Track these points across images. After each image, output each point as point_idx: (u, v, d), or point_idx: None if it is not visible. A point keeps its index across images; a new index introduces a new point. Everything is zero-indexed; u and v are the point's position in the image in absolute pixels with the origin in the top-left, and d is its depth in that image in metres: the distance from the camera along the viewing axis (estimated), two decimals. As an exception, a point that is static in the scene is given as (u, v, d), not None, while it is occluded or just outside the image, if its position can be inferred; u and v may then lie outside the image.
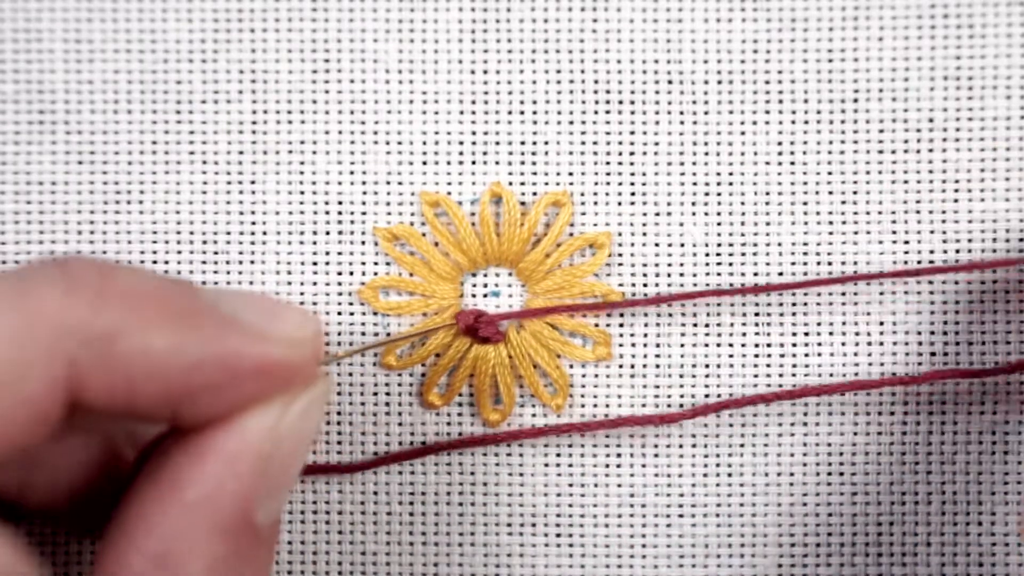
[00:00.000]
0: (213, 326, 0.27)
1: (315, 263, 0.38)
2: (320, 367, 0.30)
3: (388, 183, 0.38)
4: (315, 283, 0.38)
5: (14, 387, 0.25)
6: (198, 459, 0.27)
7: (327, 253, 0.38)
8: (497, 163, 0.38)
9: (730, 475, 0.38)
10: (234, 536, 0.27)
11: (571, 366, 0.38)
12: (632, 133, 0.38)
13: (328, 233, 0.38)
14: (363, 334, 0.38)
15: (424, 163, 0.38)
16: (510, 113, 0.38)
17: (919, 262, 0.37)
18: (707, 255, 0.38)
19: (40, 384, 0.25)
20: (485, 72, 0.38)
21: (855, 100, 0.38)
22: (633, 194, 0.38)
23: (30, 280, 0.26)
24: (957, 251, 0.37)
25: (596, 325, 0.38)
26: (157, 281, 0.27)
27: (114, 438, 0.31)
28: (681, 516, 0.38)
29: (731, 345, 0.38)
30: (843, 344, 0.38)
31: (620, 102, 0.38)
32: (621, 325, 0.38)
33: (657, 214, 0.38)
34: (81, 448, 0.31)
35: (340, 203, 0.38)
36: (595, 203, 0.38)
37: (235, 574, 0.27)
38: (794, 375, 0.38)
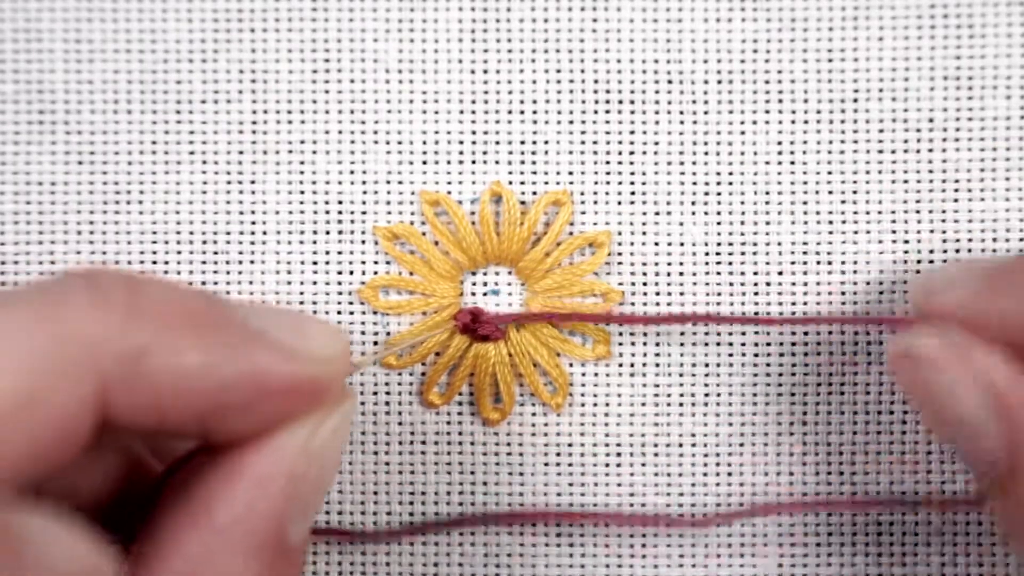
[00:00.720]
0: (243, 343, 0.27)
1: (315, 263, 0.38)
2: (347, 383, 0.29)
3: (388, 182, 0.38)
4: (315, 283, 0.38)
5: (43, 406, 0.24)
6: (229, 480, 0.27)
7: (327, 252, 0.38)
8: (497, 162, 0.38)
9: (730, 474, 0.38)
10: (266, 557, 0.27)
11: (571, 365, 0.38)
12: (632, 133, 0.38)
13: (328, 233, 0.38)
14: (363, 334, 0.38)
15: (424, 162, 0.38)
16: (510, 113, 0.38)
17: (919, 261, 0.37)
18: (707, 254, 0.38)
19: (69, 403, 0.25)
20: (485, 72, 0.38)
21: (855, 100, 0.38)
22: (633, 193, 0.38)
23: (59, 294, 0.25)
24: (957, 250, 0.37)
25: (596, 324, 0.38)
26: (186, 295, 0.27)
27: (135, 447, 0.31)
28: (681, 515, 0.38)
29: (730, 344, 0.38)
30: (842, 343, 0.38)
31: (620, 102, 0.38)
32: (621, 324, 0.38)
33: (657, 213, 0.38)
34: (102, 457, 0.30)
35: (340, 203, 0.38)
36: (595, 202, 0.38)
37: None
38: (793, 374, 0.38)
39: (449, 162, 0.38)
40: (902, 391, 0.34)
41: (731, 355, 0.38)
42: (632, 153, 0.38)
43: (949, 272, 0.33)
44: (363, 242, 0.38)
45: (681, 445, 0.38)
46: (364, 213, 0.38)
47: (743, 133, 0.38)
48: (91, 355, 0.25)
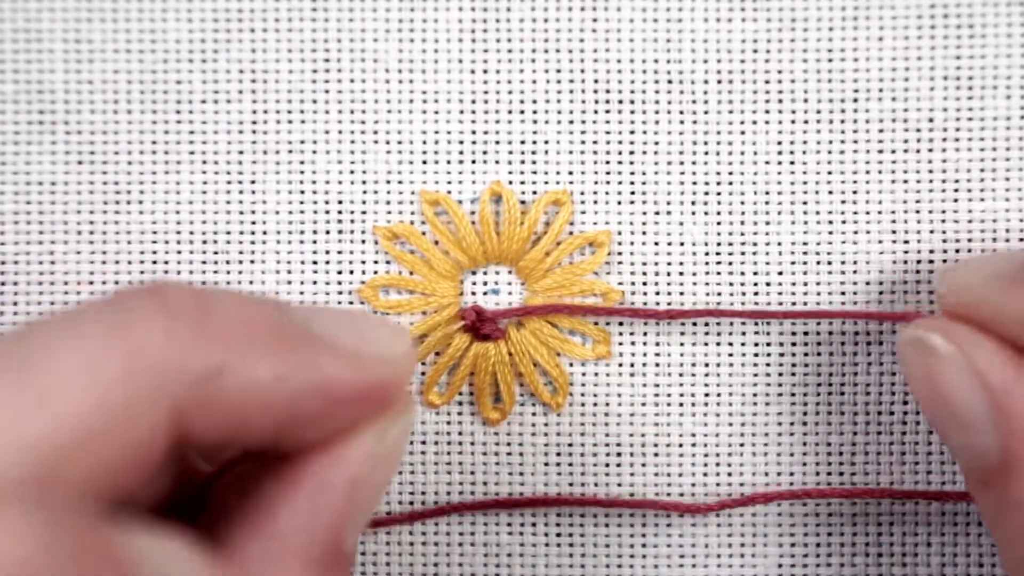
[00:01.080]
0: (311, 352, 0.26)
1: (315, 262, 0.38)
2: (410, 385, 0.29)
3: (388, 182, 0.38)
4: (315, 282, 0.38)
5: (119, 435, 0.24)
6: (292, 488, 0.27)
7: (327, 252, 0.38)
8: (497, 162, 0.38)
9: (730, 474, 0.38)
10: (325, 564, 0.27)
11: (571, 364, 0.38)
12: (632, 132, 0.38)
13: (328, 232, 0.38)
14: (363, 333, 0.38)
15: (424, 162, 0.38)
16: (510, 112, 0.38)
17: (919, 261, 0.37)
18: (707, 254, 0.38)
19: (145, 429, 0.24)
20: (485, 72, 0.38)
21: (855, 100, 0.38)
22: (633, 193, 0.38)
23: (129, 315, 0.24)
24: (957, 251, 0.37)
25: (596, 323, 0.38)
26: (252, 305, 0.26)
27: (188, 452, 0.30)
28: (681, 515, 0.38)
29: (731, 344, 0.38)
30: (842, 343, 0.38)
31: (620, 102, 0.38)
32: (621, 323, 0.38)
33: (657, 213, 0.38)
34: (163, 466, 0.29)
35: (340, 202, 0.38)
36: (595, 202, 0.38)
37: None
38: (793, 374, 0.38)
39: (449, 162, 0.38)
40: (904, 377, 0.34)
41: (731, 355, 0.38)
42: (632, 153, 0.38)
43: (975, 265, 0.33)
44: (363, 242, 0.38)
45: (681, 445, 0.38)
46: (364, 213, 0.38)
47: (743, 133, 0.38)
48: (165, 381, 0.24)
